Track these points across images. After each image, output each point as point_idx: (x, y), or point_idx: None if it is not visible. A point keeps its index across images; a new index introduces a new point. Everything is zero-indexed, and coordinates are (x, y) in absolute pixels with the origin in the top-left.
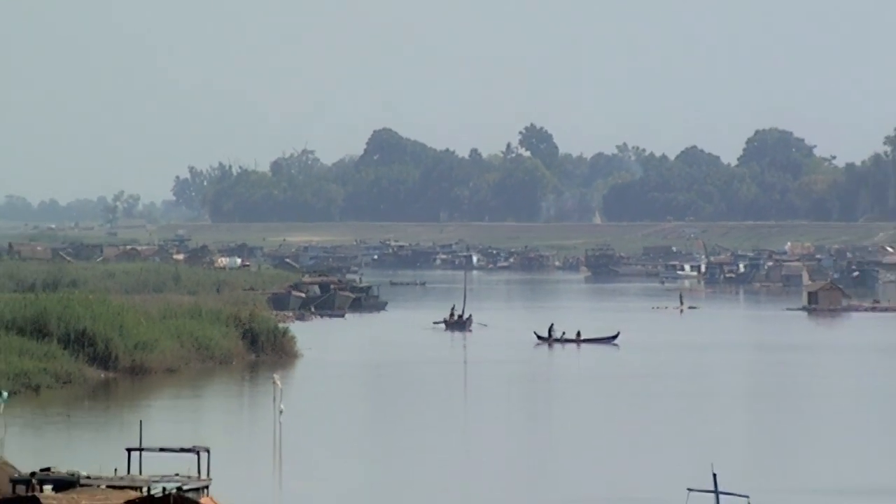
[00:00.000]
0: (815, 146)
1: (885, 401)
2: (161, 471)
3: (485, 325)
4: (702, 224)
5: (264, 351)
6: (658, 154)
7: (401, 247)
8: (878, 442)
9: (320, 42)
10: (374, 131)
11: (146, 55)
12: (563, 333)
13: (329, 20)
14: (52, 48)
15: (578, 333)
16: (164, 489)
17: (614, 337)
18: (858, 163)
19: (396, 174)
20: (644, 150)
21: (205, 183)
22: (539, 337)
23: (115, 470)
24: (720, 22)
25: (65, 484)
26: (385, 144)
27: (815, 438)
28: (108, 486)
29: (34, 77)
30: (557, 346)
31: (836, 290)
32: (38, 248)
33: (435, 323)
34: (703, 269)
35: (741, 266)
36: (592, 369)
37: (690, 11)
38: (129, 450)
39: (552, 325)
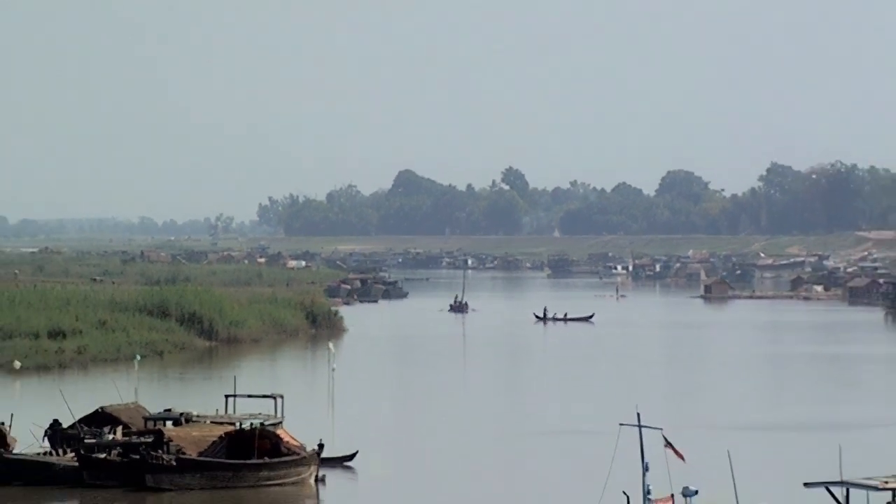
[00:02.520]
0: (709, 182)
1: (759, 361)
2: (249, 411)
3: (475, 310)
4: (629, 237)
5: (321, 327)
6: (599, 188)
7: (417, 253)
8: (755, 390)
9: (361, 109)
10: (399, 171)
11: (240, 115)
12: (555, 314)
13: (369, 94)
14: (164, 106)
15: (565, 314)
16: (251, 424)
17: (591, 317)
18: (740, 194)
19: (414, 202)
20: (589, 185)
21: (280, 208)
22: (537, 317)
23: (216, 410)
24: (641, 89)
25: (180, 420)
26: (406, 181)
27: (710, 387)
28: (212, 422)
29: (159, 129)
30: (550, 323)
31: (724, 283)
32: (162, 255)
33: (441, 309)
34: (630, 268)
35: (657, 267)
36: (569, 338)
37: (619, 83)
38: (226, 396)
39: (545, 308)
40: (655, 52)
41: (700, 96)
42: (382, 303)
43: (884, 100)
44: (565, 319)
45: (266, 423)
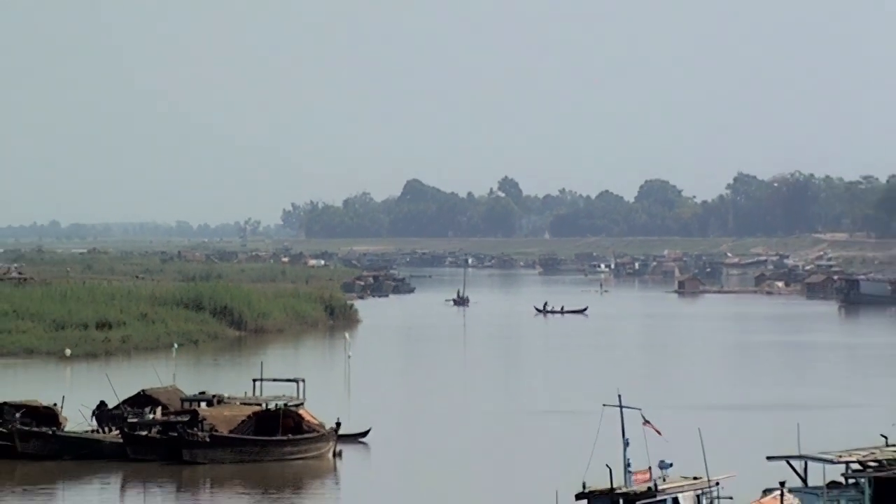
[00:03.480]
0: (682, 190)
1: (728, 348)
2: (274, 393)
3: (475, 303)
4: (612, 239)
5: (338, 318)
6: (584, 195)
7: (423, 253)
8: (724, 374)
9: (374, 125)
10: (408, 181)
11: (267, 130)
12: (553, 307)
13: (381, 112)
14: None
15: (562, 307)
16: (276, 405)
17: (585, 309)
18: (710, 200)
19: (421, 208)
20: (575, 192)
21: (301, 213)
22: (537, 309)
23: (245, 392)
24: (623, 107)
25: (213, 401)
26: (414, 189)
27: (684, 372)
28: (241, 403)
29: (195, 141)
30: (549, 315)
31: (696, 280)
32: (197, 254)
33: (446, 300)
34: (612, 266)
35: (637, 265)
36: (564, 329)
37: (603, 102)
38: (254, 380)
39: (546, 302)
40: (634, 74)
41: (675, 113)
42: (392, 297)
43: (838, 115)
44: (562, 312)
45: (289, 403)
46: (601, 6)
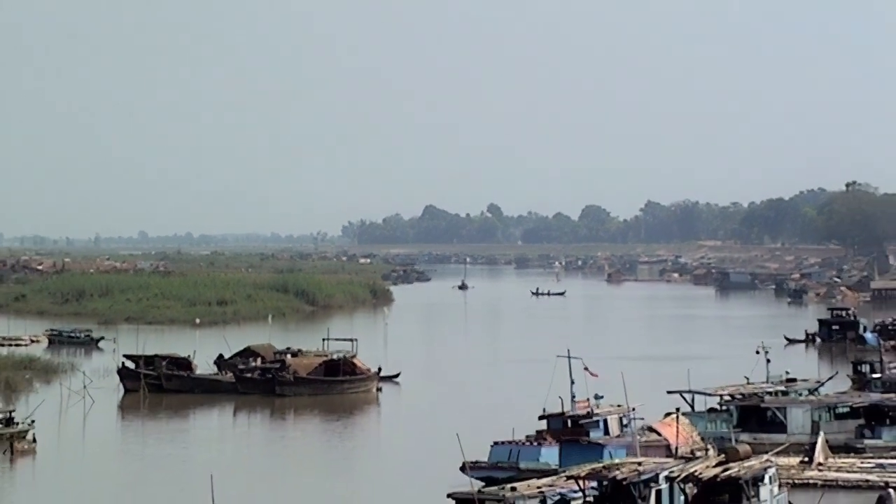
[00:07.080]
0: (610, 211)
1: (641, 318)
2: (336, 348)
3: (473, 288)
4: (563, 245)
5: (379, 298)
6: (544, 215)
7: (436, 254)
8: (638, 335)
9: (402, 168)
10: (426, 206)
11: (335, 178)
12: (542, 290)
13: (407, 160)
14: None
15: (549, 290)
16: (338, 356)
17: (564, 292)
18: (629, 219)
19: (434, 224)
20: (539, 213)
21: (355, 228)
22: (532, 292)
23: (317, 347)
24: (570, 151)
25: (296, 353)
26: (430, 212)
27: (612, 333)
28: (314, 355)
29: (282, 173)
30: (540, 296)
31: (619, 272)
32: (284, 255)
33: (453, 287)
34: (563, 263)
35: (580, 262)
36: (545, 304)
37: (554, 150)
38: (323, 339)
39: (538, 287)
40: (577, 128)
41: (605, 159)
42: (416, 284)
43: (714, 158)
44: (549, 294)
45: (347, 355)
46: (550, 73)
